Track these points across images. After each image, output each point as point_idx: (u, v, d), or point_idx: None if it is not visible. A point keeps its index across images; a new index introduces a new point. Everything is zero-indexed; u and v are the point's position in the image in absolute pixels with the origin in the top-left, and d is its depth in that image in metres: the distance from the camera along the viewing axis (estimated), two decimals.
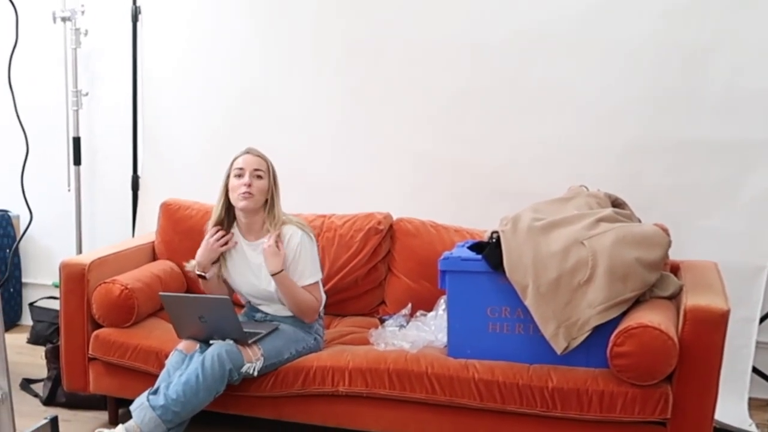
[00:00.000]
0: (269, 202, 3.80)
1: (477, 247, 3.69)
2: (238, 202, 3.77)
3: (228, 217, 3.87)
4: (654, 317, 3.26)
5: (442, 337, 3.70)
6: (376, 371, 3.55)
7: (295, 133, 4.79)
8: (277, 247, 3.72)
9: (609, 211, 3.68)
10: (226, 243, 3.84)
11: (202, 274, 3.86)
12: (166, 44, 5.03)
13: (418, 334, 3.78)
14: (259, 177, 3.77)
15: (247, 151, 3.83)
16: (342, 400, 3.60)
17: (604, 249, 3.43)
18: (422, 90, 4.58)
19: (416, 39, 4.56)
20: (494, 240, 3.61)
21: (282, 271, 3.71)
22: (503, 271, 3.50)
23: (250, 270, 3.84)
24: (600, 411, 3.29)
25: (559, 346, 3.38)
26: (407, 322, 3.98)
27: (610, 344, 3.26)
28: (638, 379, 3.24)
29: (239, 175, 3.77)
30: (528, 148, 4.44)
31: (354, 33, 4.66)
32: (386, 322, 4.02)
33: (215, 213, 3.87)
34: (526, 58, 4.40)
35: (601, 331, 3.34)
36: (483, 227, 3.99)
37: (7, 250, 5.27)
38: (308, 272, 3.79)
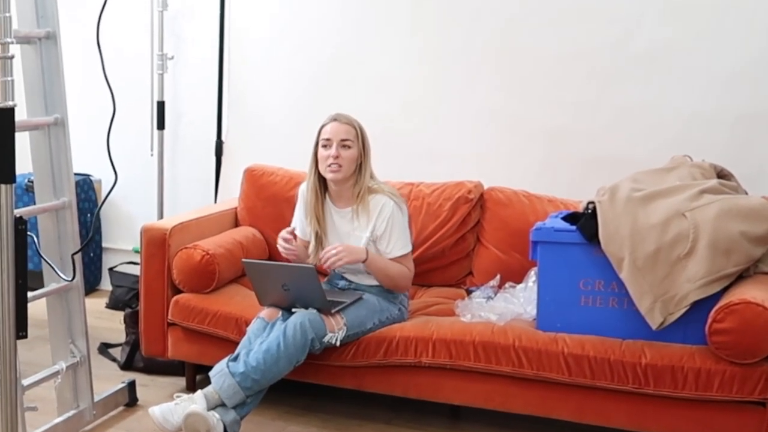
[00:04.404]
0: (358, 168, 3.87)
1: (571, 217, 3.73)
2: (326, 174, 3.85)
3: (321, 184, 3.94)
4: (758, 293, 3.27)
5: (531, 310, 3.75)
6: (461, 343, 3.61)
7: (384, 99, 4.86)
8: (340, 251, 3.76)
9: (714, 182, 3.67)
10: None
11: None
12: (255, 7, 5.14)
13: (506, 306, 3.83)
14: (347, 147, 3.83)
15: (335, 119, 3.88)
16: (425, 372, 3.67)
17: (707, 221, 3.43)
18: (517, 54, 4.61)
19: (513, 0, 4.59)
20: (590, 211, 3.64)
21: (367, 258, 3.79)
22: (598, 243, 3.53)
23: (338, 237, 3.91)
24: (695, 389, 3.31)
25: (654, 322, 3.40)
26: (495, 294, 4.03)
27: (709, 320, 3.28)
28: (738, 357, 3.25)
29: (326, 146, 3.83)
30: (629, 115, 4.43)
31: None
32: (473, 294, 4.08)
33: (309, 180, 3.94)
34: (631, 20, 4.40)
35: (700, 307, 3.36)
36: (578, 198, 4.02)
37: (89, 215, 5.42)
38: (400, 244, 3.86)
